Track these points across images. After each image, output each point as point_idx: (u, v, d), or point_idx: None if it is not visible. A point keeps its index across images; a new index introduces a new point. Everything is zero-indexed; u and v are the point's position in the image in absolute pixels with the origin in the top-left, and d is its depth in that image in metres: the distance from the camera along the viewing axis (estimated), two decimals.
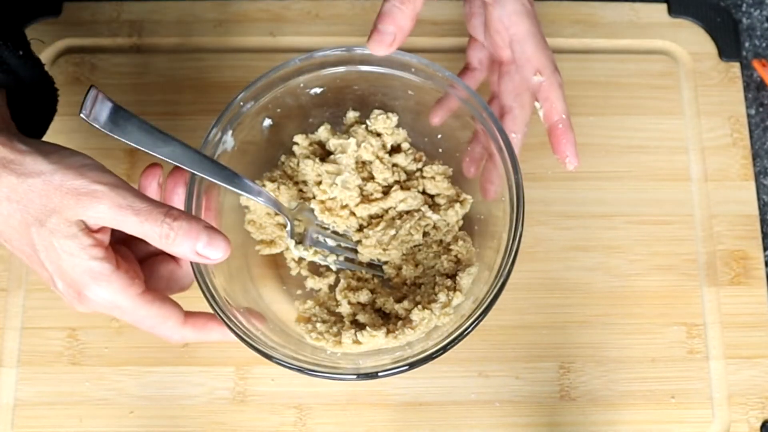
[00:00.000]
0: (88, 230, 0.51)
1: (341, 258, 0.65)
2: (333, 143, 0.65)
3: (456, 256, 0.64)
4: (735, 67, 0.77)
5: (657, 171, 0.74)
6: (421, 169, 0.66)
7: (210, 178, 0.56)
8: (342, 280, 0.64)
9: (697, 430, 0.67)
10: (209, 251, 0.53)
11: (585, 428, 0.67)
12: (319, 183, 0.64)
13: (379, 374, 0.56)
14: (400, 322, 0.61)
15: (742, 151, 0.74)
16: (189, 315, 0.57)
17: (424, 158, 0.67)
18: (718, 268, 0.71)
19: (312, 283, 0.66)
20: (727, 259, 0.71)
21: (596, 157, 0.74)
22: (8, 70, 0.56)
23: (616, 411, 0.68)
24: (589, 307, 0.70)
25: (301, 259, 0.66)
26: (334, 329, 0.61)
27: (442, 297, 0.60)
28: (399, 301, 0.63)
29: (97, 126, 0.52)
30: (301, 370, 0.56)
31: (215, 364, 0.68)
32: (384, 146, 0.65)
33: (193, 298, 0.58)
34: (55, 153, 0.51)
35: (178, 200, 0.57)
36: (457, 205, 0.65)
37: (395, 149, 0.67)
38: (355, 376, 0.56)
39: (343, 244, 0.65)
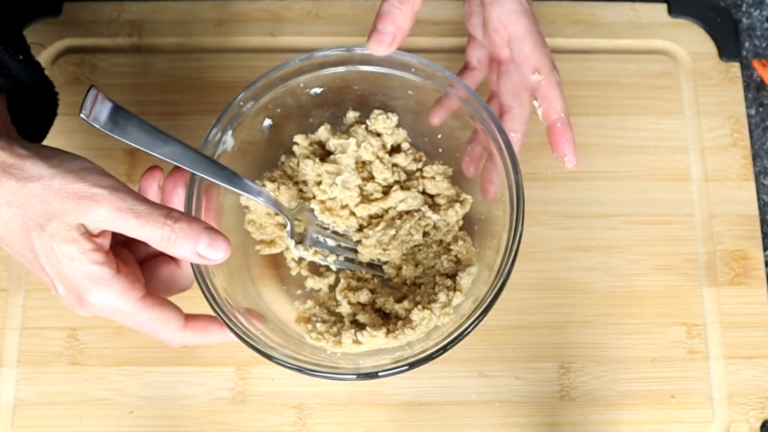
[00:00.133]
0: (89, 234, 0.51)
1: (341, 258, 0.65)
2: (333, 143, 0.65)
3: (456, 256, 0.64)
4: (735, 67, 0.77)
5: (657, 171, 0.74)
6: (421, 169, 0.66)
7: (210, 178, 0.56)
8: (342, 280, 0.64)
9: (697, 430, 0.67)
10: (210, 252, 0.53)
11: (585, 428, 0.67)
12: (319, 183, 0.64)
13: (379, 374, 0.56)
14: (400, 322, 0.61)
15: (742, 151, 0.74)
16: (189, 318, 0.57)
17: (424, 158, 0.67)
18: (718, 268, 0.71)
19: (312, 283, 0.66)
20: (727, 259, 0.71)
21: (596, 157, 0.74)
22: (8, 74, 0.56)
23: (616, 411, 0.68)
24: (589, 307, 0.70)
25: (301, 259, 0.66)
26: (334, 329, 0.61)
27: (442, 297, 0.60)
28: (399, 301, 0.63)
29: (97, 126, 0.52)
30: (301, 370, 0.56)
31: (215, 364, 0.68)
32: (384, 146, 0.65)
33: (193, 298, 0.58)
34: (54, 157, 0.51)
35: (178, 201, 0.57)
36: (457, 205, 0.65)
37: (395, 149, 0.67)
38: (355, 376, 0.56)
39: (343, 244, 0.65)
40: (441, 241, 0.65)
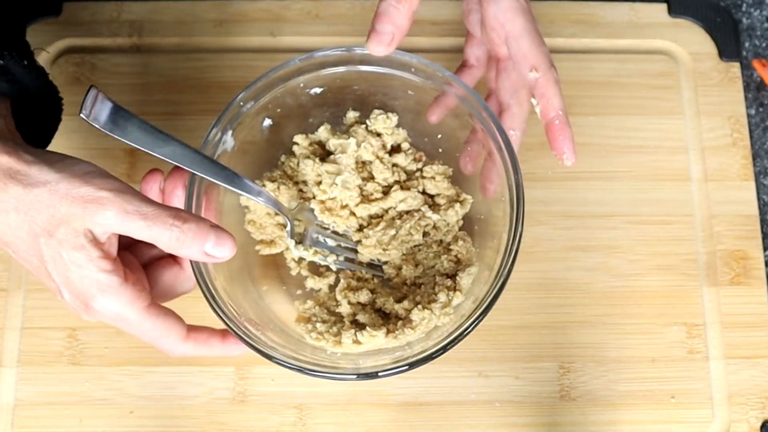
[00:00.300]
0: (96, 241, 0.50)
1: (341, 258, 0.65)
2: (333, 143, 0.65)
3: (456, 256, 0.64)
4: (735, 67, 0.77)
5: (657, 171, 0.74)
6: (421, 169, 0.66)
7: (210, 178, 0.56)
8: (342, 280, 0.64)
9: (697, 430, 0.67)
10: (217, 251, 0.53)
11: (585, 428, 0.67)
12: (319, 183, 0.64)
13: (379, 374, 0.56)
14: (400, 322, 0.61)
15: (742, 151, 0.74)
16: (191, 329, 0.57)
17: (424, 158, 0.67)
18: (718, 268, 0.71)
19: (312, 283, 0.66)
20: (727, 259, 0.71)
21: (596, 157, 0.74)
22: (13, 79, 0.56)
23: (616, 411, 0.68)
24: (589, 307, 0.70)
25: (301, 259, 0.66)
26: (334, 329, 0.61)
27: (442, 297, 0.60)
28: (399, 301, 0.63)
29: (97, 126, 0.52)
30: (301, 370, 0.56)
31: (215, 364, 0.68)
32: (384, 146, 0.65)
33: (193, 299, 0.58)
34: (59, 162, 0.51)
35: (178, 201, 0.57)
36: (457, 205, 0.65)
37: (395, 149, 0.67)
38: (355, 376, 0.56)
39: (343, 244, 0.65)
40: (441, 241, 0.65)
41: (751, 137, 0.76)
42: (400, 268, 0.65)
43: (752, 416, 0.68)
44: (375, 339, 0.59)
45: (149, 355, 0.68)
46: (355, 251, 0.65)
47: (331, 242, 0.65)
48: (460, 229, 0.66)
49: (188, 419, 0.67)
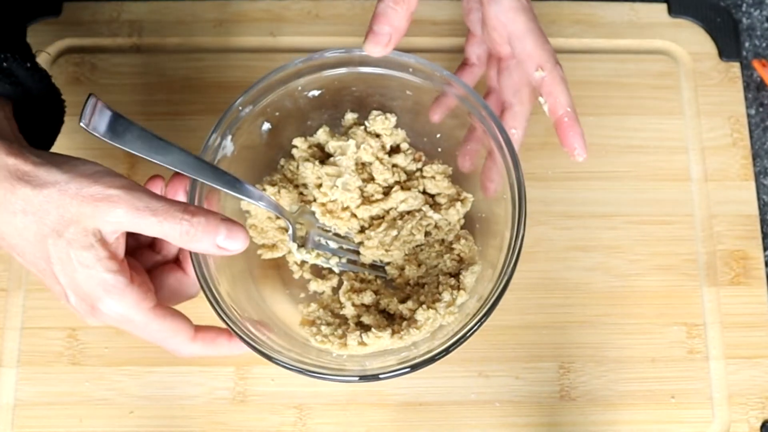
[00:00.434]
0: (104, 241, 0.50)
1: (344, 260, 0.65)
2: (332, 145, 0.65)
3: (459, 255, 0.64)
4: (735, 67, 0.77)
5: (657, 171, 0.74)
6: (420, 169, 0.66)
7: (211, 184, 0.56)
8: (345, 282, 0.64)
9: (697, 430, 0.67)
10: (229, 243, 0.52)
11: (585, 428, 0.67)
12: (320, 186, 0.64)
13: (381, 376, 0.56)
14: (405, 323, 0.61)
15: (742, 151, 0.74)
16: (198, 329, 0.57)
17: (423, 158, 0.67)
18: (718, 268, 0.71)
19: (315, 285, 0.66)
20: (727, 259, 0.71)
21: (596, 157, 0.74)
22: (16, 82, 0.56)
23: (616, 411, 0.68)
24: (589, 307, 0.70)
25: (303, 263, 0.66)
26: (339, 331, 0.61)
27: (446, 296, 0.60)
28: (403, 301, 0.63)
29: (97, 135, 0.52)
30: (305, 372, 0.56)
31: (215, 364, 0.68)
32: (383, 147, 0.65)
33: (194, 300, 0.58)
34: (66, 163, 0.51)
35: None
36: (458, 204, 0.65)
37: (394, 150, 0.67)
38: (357, 378, 0.56)
39: (345, 246, 0.65)
40: (443, 240, 0.65)
41: (751, 137, 0.76)
42: (402, 269, 0.65)
43: (752, 416, 0.68)
44: (380, 340, 0.59)
45: (149, 355, 0.68)
46: (358, 253, 0.65)
47: (333, 244, 0.65)
48: (462, 227, 0.66)
49: (188, 419, 0.67)
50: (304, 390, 0.67)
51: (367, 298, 0.63)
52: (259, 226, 0.65)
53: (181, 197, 0.57)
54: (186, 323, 0.56)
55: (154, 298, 0.54)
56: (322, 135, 0.66)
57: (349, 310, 0.63)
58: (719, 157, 0.74)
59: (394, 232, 0.64)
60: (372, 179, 0.65)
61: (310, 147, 0.66)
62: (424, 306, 0.60)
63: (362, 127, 0.66)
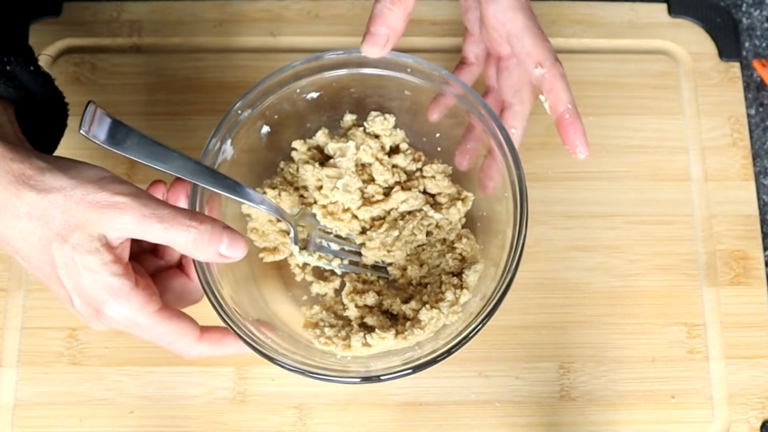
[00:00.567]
0: (109, 246, 0.51)
1: (345, 261, 0.65)
2: (332, 147, 0.65)
3: (461, 254, 0.64)
4: (735, 67, 0.77)
5: (657, 171, 0.74)
6: (420, 169, 0.66)
7: (212, 189, 0.56)
8: (347, 284, 0.64)
9: (697, 430, 0.67)
10: (230, 251, 0.53)
11: (585, 428, 0.67)
12: (320, 188, 0.64)
13: (383, 378, 0.56)
14: (408, 323, 0.61)
15: (742, 151, 0.74)
16: (204, 330, 0.57)
17: (423, 158, 0.67)
18: (718, 268, 0.71)
19: (317, 287, 0.66)
20: (727, 259, 0.71)
21: (596, 157, 0.74)
22: (20, 85, 0.56)
23: (616, 411, 0.68)
24: (589, 307, 0.70)
25: (305, 265, 0.66)
26: (343, 333, 0.61)
27: (449, 295, 0.60)
28: (406, 301, 0.63)
29: (97, 142, 0.52)
30: (307, 374, 0.56)
31: (215, 364, 0.68)
32: (383, 148, 0.65)
33: (199, 303, 0.58)
34: (72, 168, 0.51)
35: None
36: (459, 203, 0.65)
37: (394, 150, 0.67)
38: (359, 379, 0.56)
39: (346, 248, 0.65)
40: (445, 239, 0.65)
41: (751, 137, 0.76)
42: (405, 269, 0.65)
43: (752, 416, 0.68)
44: (384, 341, 0.59)
45: (149, 355, 0.68)
46: (359, 254, 0.65)
47: (334, 246, 0.65)
48: (463, 227, 0.66)
49: (188, 419, 0.67)
50: (304, 390, 0.67)
51: (370, 299, 0.63)
52: (261, 230, 0.65)
53: (183, 203, 0.57)
54: (192, 325, 0.56)
55: (159, 301, 0.54)
56: (321, 137, 0.66)
57: (352, 312, 0.63)
58: (719, 157, 0.74)
59: (396, 233, 0.64)
60: (372, 180, 0.65)
61: (309, 149, 0.66)
62: (428, 306, 0.60)
63: (361, 128, 0.65)
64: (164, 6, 0.77)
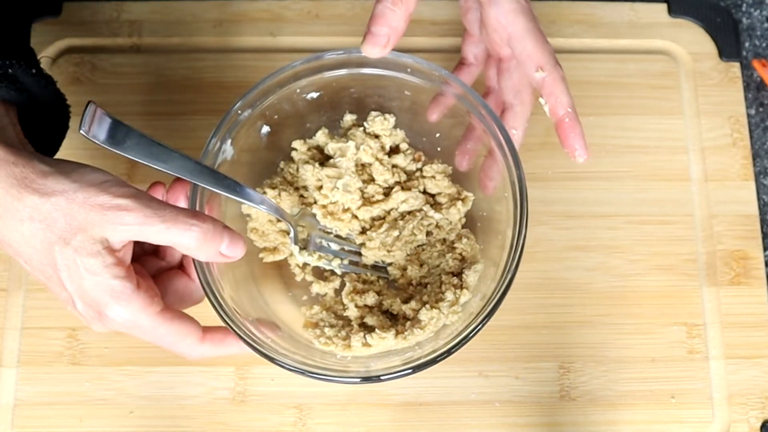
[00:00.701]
0: (111, 249, 0.51)
1: (345, 261, 0.65)
2: (332, 147, 0.65)
3: (461, 254, 0.64)
4: (735, 67, 0.77)
5: (657, 171, 0.74)
6: (420, 169, 0.66)
7: (212, 189, 0.56)
8: (347, 284, 0.64)
9: (697, 430, 0.67)
10: (230, 251, 0.54)
11: (585, 428, 0.67)
12: (320, 188, 0.64)
13: (382, 378, 0.56)
14: (408, 323, 0.61)
15: (742, 151, 0.74)
16: (206, 330, 0.57)
17: (423, 158, 0.67)
18: (718, 268, 0.71)
19: (317, 287, 0.66)
20: (727, 259, 0.71)
21: (596, 157, 0.74)
22: (22, 88, 0.56)
23: (616, 411, 0.68)
24: (589, 307, 0.70)
25: (305, 265, 0.66)
26: (343, 333, 0.61)
27: (449, 295, 0.60)
28: (406, 301, 0.63)
29: (97, 142, 0.52)
30: (307, 374, 0.56)
31: (215, 364, 0.68)
32: (383, 148, 0.65)
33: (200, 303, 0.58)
34: (74, 171, 0.51)
35: None
36: (459, 203, 0.65)
37: (394, 150, 0.67)
38: (359, 380, 0.56)
39: (346, 248, 0.65)
40: (445, 239, 0.65)
41: (751, 137, 0.76)
42: (405, 269, 0.65)
43: (752, 416, 0.68)
44: (384, 341, 0.59)
45: (149, 355, 0.68)
46: (359, 254, 0.65)
47: (334, 246, 0.65)
48: (463, 227, 0.66)
49: (188, 419, 0.67)
50: (304, 390, 0.67)
51: (370, 299, 0.63)
52: (261, 230, 0.65)
53: (182, 203, 0.57)
54: (194, 325, 0.56)
55: (161, 303, 0.54)
56: (321, 137, 0.66)
57: (352, 312, 0.63)
58: (719, 157, 0.74)
59: (396, 233, 0.64)
60: (372, 180, 0.65)
61: (309, 149, 0.66)
62: (428, 306, 0.60)
63: (361, 129, 0.65)
64: (164, 6, 0.77)
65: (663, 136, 0.75)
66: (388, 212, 0.65)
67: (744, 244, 0.72)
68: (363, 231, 0.65)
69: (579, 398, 0.68)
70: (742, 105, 0.76)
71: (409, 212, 0.65)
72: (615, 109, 0.75)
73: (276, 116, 0.64)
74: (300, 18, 0.78)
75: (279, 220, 0.64)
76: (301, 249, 0.63)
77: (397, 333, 0.60)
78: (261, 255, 0.65)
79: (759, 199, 0.74)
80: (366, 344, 0.60)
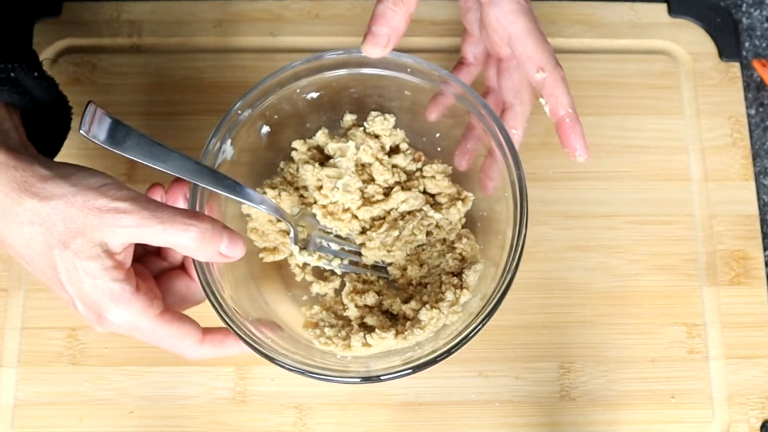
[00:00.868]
0: (110, 252, 0.51)
1: (345, 261, 0.65)
2: (332, 147, 0.65)
3: (460, 254, 0.64)
4: (735, 67, 0.77)
5: (657, 171, 0.74)
6: (420, 169, 0.66)
7: (212, 189, 0.56)
8: (347, 284, 0.64)
9: (697, 430, 0.67)
10: (230, 251, 0.54)
11: (585, 428, 0.67)
12: (320, 188, 0.64)
13: (382, 378, 0.56)
14: (408, 323, 0.61)
15: (742, 151, 0.74)
16: (206, 332, 0.57)
17: (423, 158, 0.67)
18: (718, 268, 0.71)
19: (317, 287, 0.66)
20: (727, 259, 0.71)
21: (596, 157, 0.74)
22: (24, 91, 0.56)
23: (616, 411, 0.68)
24: (589, 307, 0.70)
25: (305, 265, 0.66)
26: (343, 333, 0.61)
27: (449, 295, 0.60)
28: (406, 301, 0.63)
29: (97, 142, 0.52)
30: (307, 374, 0.56)
31: (215, 364, 0.68)
32: (383, 148, 0.65)
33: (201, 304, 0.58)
34: (74, 175, 0.51)
35: None
36: (459, 203, 0.65)
37: (394, 150, 0.66)
38: (359, 380, 0.56)
39: (346, 248, 0.65)
40: (445, 239, 0.65)
41: (751, 137, 0.76)
42: (405, 269, 0.65)
43: (752, 416, 0.68)
44: (384, 341, 0.59)
45: (149, 355, 0.68)
46: (359, 254, 0.65)
47: (334, 246, 0.65)
48: (463, 227, 0.66)
49: (188, 419, 0.67)
50: (304, 390, 0.67)
51: (370, 299, 0.63)
52: (261, 230, 0.65)
53: (181, 204, 0.57)
54: (193, 327, 0.56)
55: (161, 305, 0.54)
56: (321, 137, 0.66)
57: (352, 312, 0.63)
58: (719, 157, 0.74)
59: (396, 233, 0.64)
60: (372, 180, 0.65)
61: (309, 149, 0.66)
62: (428, 306, 0.60)
63: (361, 128, 0.65)
64: (164, 6, 0.77)
65: (663, 136, 0.75)
66: (388, 212, 0.65)
67: (744, 244, 0.72)
68: (363, 231, 0.65)
69: (579, 398, 0.68)
70: (742, 105, 0.76)
71: (409, 212, 0.65)
72: (615, 109, 0.75)
73: (276, 116, 0.64)
74: (300, 18, 0.78)
75: (279, 220, 0.64)
76: (301, 249, 0.63)
77: (397, 333, 0.60)
78: (261, 255, 0.65)
79: (759, 199, 0.74)
80: (366, 344, 0.60)
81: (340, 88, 0.64)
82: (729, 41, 0.78)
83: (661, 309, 0.70)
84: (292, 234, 0.63)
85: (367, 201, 0.65)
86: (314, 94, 0.64)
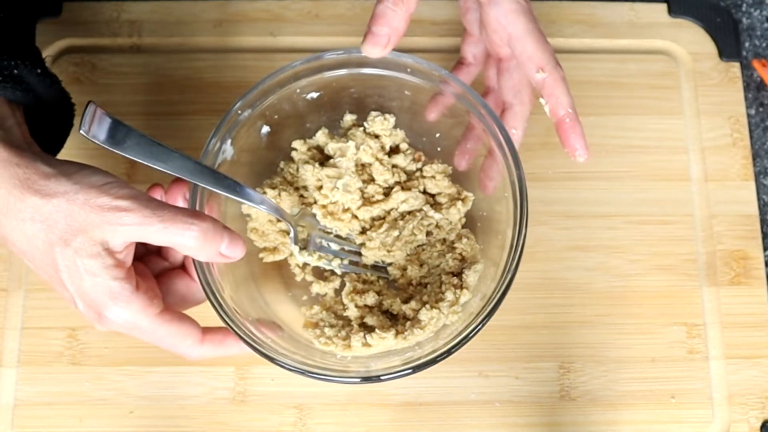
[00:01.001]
0: (111, 250, 0.51)
1: (345, 261, 0.65)
2: (332, 147, 0.65)
3: (461, 254, 0.64)
4: (735, 67, 0.77)
5: (657, 171, 0.74)
6: (420, 169, 0.66)
7: (212, 189, 0.56)
8: (347, 284, 0.64)
9: (697, 430, 0.67)
10: (230, 251, 0.54)
11: (585, 428, 0.67)
12: (320, 188, 0.64)
13: (382, 378, 0.56)
14: (408, 323, 0.61)
15: (742, 151, 0.74)
16: (206, 331, 0.57)
17: (423, 158, 0.67)
18: (718, 268, 0.71)
19: (317, 287, 0.66)
20: (727, 259, 0.71)
21: (596, 157, 0.74)
22: (28, 88, 0.56)
23: (616, 411, 0.68)
24: (589, 307, 0.70)
25: (305, 265, 0.66)
26: (343, 333, 0.61)
27: (449, 295, 0.60)
28: (406, 301, 0.63)
29: (97, 142, 0.52)
30: (307, 374, 0.56)
31: (215, 364, 0.68)
32: (383, 148, 0.65)
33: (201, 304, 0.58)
34: (77, 173, 0.51)
35: None
36: (459, 203, 0.65)
37: (394, 150, 0.66)
38: (359, 380, 0.56)
39: (346, 248, 0.65)
40: (445, 239, 0.65)
41: (751, 137, 0.76)
42: (405, 269, 0.65)
43: (752, 416, 0.68)
44: (384, 341, 0.59)
45: (149, 355, 0.68)
46: (359, 254, 0.65)
47: (334, 246, 0.65)
48: (463, 227, 0.66)
49: (188, 419, 0.67)
50: (304, 390, 0.67)
51: (370, 299, 0.63)
52: (261, 230, 0.65)
53: (181, 204, 0.57)
54: (193, 326, 0.56)
55: (161, 304, 0.54)
56: (321, 137, 0.66)
57: (352, 312, 0.63)
58: (719, 157, 0.74)
59: (396, 233, 0.64)
60: (372, 180, 0.65)
61: (309, 149, 0.66)
62: (428, 306, 0.60)
63: (361, 128, 0.65)
64: (164, 6, 0.77)
65: (663, 136, 0.75)
66: (388, 212, 0.65)
67: (744, 244, 0.72)
68: (363, 231, 0.65)
69: (579, 398, 0.68)
70: (742, 105, 0.76)
71: (409, 212, 0.65)
72: (615, 109, 0.75)
73: (276, 116, 0.64)
74: (300, 18, 0.78)
75: (279, 220, 0.64)
76: (301, 249, 0.63)
77: (397, 333, 0.60)
78: (261, 255, 0.65)
79: (759, 199, 0.74)
80: (366, 344, 0.60)
81: (340, 88, 0.64)
82: (729, 41, 0.78)
83: (661, 309, 0.70)
84: (292, 234, 0.63)
85: (367, 201, 0.65)
86: (314, 94, 0.64)
